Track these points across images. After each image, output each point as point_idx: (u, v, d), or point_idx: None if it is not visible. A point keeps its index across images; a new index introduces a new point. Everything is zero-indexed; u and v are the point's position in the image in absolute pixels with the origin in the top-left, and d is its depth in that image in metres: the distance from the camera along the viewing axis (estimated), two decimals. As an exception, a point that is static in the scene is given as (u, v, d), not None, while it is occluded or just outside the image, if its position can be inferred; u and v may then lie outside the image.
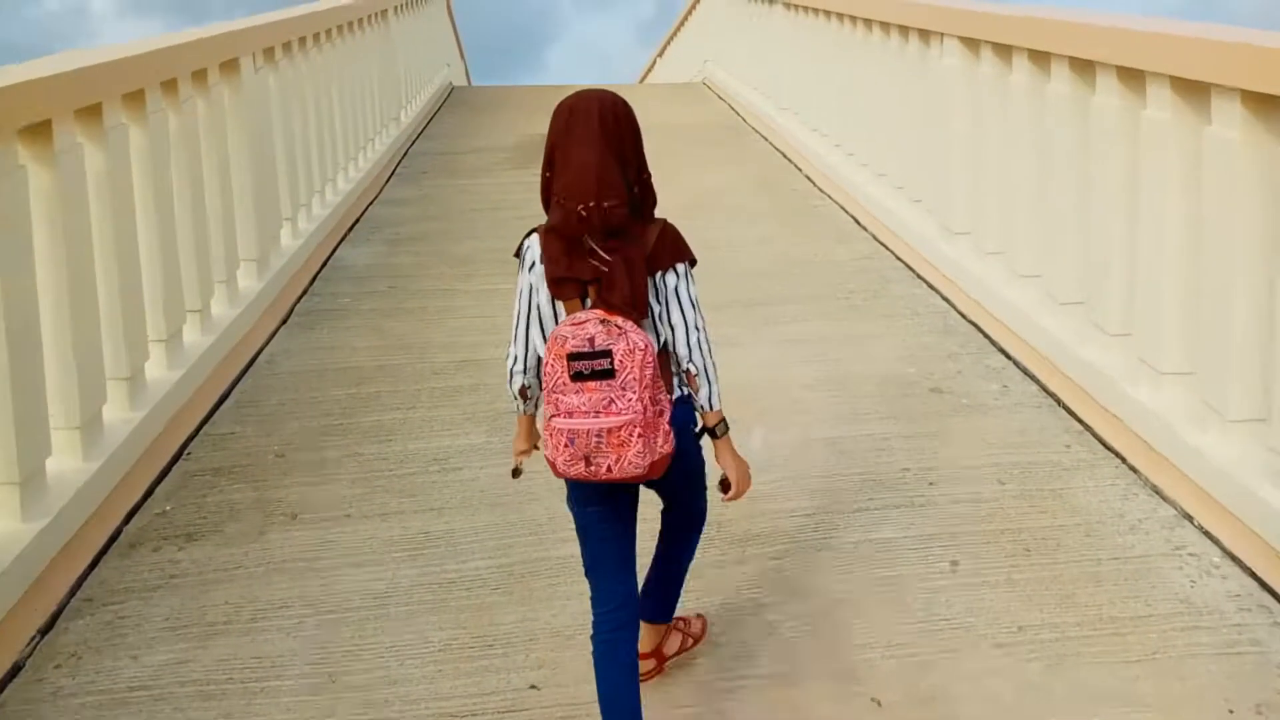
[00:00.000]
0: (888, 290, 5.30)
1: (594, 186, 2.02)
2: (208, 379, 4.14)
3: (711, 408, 2.15)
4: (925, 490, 3.40)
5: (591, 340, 1.94)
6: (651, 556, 2.44)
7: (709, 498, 2.41)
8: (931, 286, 5.28)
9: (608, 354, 1.92)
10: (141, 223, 3.87)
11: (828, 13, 7.56)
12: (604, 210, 2.01)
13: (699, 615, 2.70)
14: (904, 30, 5.97)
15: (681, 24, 14.70)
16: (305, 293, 5.38)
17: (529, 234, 2.18)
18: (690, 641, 2.59)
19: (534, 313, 2.13)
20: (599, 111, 2.07)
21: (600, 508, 2.16)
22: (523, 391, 2.20)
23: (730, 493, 2.22)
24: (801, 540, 3.14)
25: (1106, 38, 3.86)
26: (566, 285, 2.06)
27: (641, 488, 2.19)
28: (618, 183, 2.04)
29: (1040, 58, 4.39)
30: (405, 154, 8.65)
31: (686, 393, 2.14)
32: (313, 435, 3.87)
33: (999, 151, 4.77)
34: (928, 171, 5.59)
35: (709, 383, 2.13)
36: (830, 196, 7.15)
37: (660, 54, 16.56)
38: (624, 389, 1.91)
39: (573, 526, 2.26)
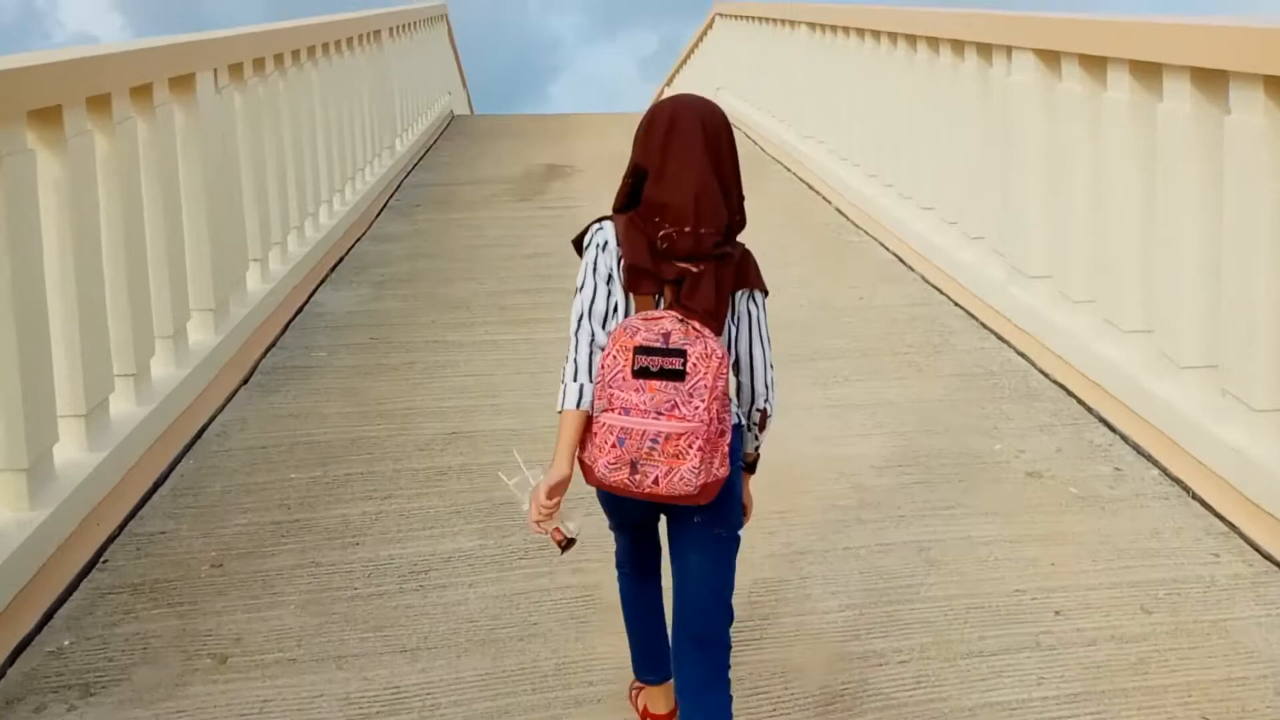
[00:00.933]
0: (951, 344, 4.50)
1: (692, 213, 1.81)
2: (139, 461, 3.33)
3: (757, 448, 1.98)
4: (1051, 623, 2.58)
5: (667, 336, 1.73)
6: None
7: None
8: (1003, 340, 4.47)
9: (681, 354, 1.71)
10: (54, 270, 3.08)
11: (861, 31, 6.82)
12: (698, 236, 1.80)
13: None
14: (958, 45, 5.22)
15: (691, 50, 14.04)
16: (273, 345, 4.59)
17: (598, 220, 1.91)
18: None
19: (601, 297, 1.84)
20: (703, 127, 1.84)
21: (629, 521, 2.01)
22: (581, 391, 1.82)
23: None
24: (899, 702, 2.31)
25: (1244, 43, 3.09)
26: (645, 279, 1.82)
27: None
28: (719, 210, 1.82)
29: (1148, 70, 3.62)
30: (399, 185, 7.90)
31: (738, 421, 1.90)
32: (261, 536, 3.06)
33: (1089, 181, 3.98)
34: (990, 204, 4.81)
35: (768, 425, 1.96)
36: (867, 232, 6.37)
37: (668, 83, 15.89)
38: (691, 395, 1.70)
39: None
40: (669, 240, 1.79)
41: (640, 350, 1.71)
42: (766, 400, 1.91)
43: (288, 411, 3.93)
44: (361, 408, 3.94)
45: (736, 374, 1.90)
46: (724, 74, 11.75)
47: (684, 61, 14.74)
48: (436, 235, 6.49)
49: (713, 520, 1.83)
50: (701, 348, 1.71)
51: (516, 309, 5.02)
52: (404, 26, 9.03)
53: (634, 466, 1.69)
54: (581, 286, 1.84)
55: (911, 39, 5.88)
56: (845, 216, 6.77)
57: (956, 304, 4.95)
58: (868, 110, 6.67)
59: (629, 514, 1.94)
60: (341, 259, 5.89)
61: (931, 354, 4.38)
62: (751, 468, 1.98)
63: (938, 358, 4.34)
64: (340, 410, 3.92)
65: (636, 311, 1.81)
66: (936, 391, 4.00)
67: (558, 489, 1.77)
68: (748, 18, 10.45)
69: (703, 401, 1.69)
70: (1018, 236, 4.49)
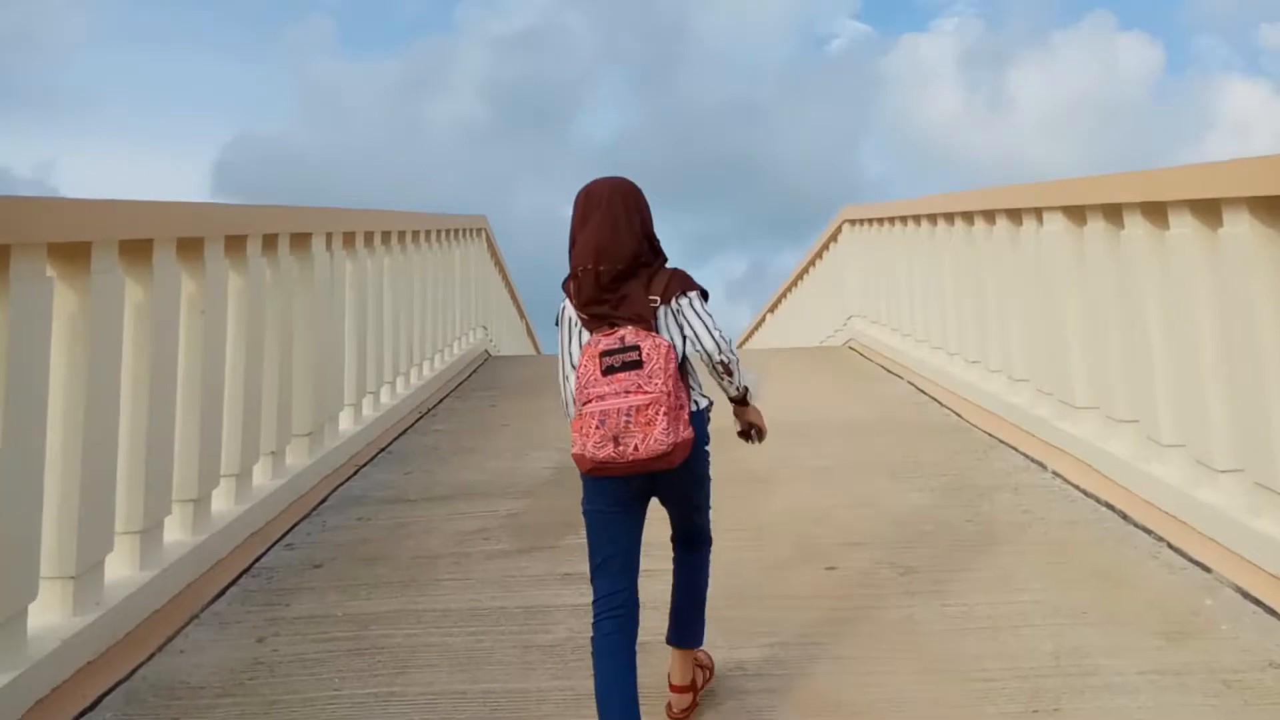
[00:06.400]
0: None
1: (593, 256, 2.24)
2: None
3: (738, 389, 2.38)
4: None
5: (622, 339, 2.15)
6: (671, 593, 2.41)
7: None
8: None
9: (636, 348, 2.13)
10: None
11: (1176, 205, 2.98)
12: (598, 274, 2.23)
13: (704, 650, 2.58)
14: None
15: (804, 271, 10.48)
16: None
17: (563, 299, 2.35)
18: (709, 674, 2.54)
19: (570, 357, 2.26)
20: (609, 195, 2.29)
21: (616, 508, 2.23)
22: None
23: (755, 436, 2.45)
24: None
25: None
26: (595, 311, 2.22)
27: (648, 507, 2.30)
28: (622, 252, 2.25)
29: None
30: (323, 501, 4.15)
31: (704, 407, 2.29)
32: None
33: None
34: None
35: (737, 370, 2.34)
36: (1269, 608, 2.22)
37: (772, 309, 12.35)
38: (651, 376, 2.10)
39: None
40: (577, 278, 2.23)
41: (604, 354, 2.13)
42: (721, 354, 2.29)
43: None
44: None
45: (698, 349, 2.28)
46: (860, 297, 8.04)
47: (792, 285, 11.19)
48: (285, 701, 2.56)
49: (692, 488, 2.29)
50: (651, 341, 2.14)
51: None
52: (397, 236, 5.63)
53: (616, 440, 2.08)
54: (559, 370, 2.28)
55: None
56: (1192, 560, 2.66)
57: None
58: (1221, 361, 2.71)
59: (619, 494, 2.20)
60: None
61: None
62: (742, 400, 2.41)
63: None
64: None
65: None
66: None
67: None
68: (903, 219, 6.82)
69: (660, 379, 2.10)
70: None
